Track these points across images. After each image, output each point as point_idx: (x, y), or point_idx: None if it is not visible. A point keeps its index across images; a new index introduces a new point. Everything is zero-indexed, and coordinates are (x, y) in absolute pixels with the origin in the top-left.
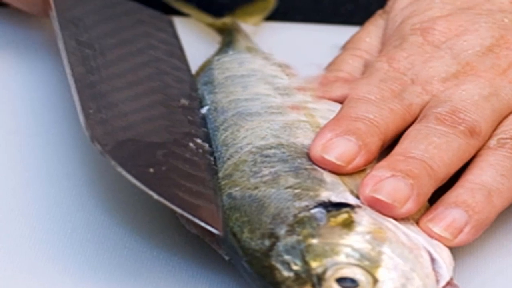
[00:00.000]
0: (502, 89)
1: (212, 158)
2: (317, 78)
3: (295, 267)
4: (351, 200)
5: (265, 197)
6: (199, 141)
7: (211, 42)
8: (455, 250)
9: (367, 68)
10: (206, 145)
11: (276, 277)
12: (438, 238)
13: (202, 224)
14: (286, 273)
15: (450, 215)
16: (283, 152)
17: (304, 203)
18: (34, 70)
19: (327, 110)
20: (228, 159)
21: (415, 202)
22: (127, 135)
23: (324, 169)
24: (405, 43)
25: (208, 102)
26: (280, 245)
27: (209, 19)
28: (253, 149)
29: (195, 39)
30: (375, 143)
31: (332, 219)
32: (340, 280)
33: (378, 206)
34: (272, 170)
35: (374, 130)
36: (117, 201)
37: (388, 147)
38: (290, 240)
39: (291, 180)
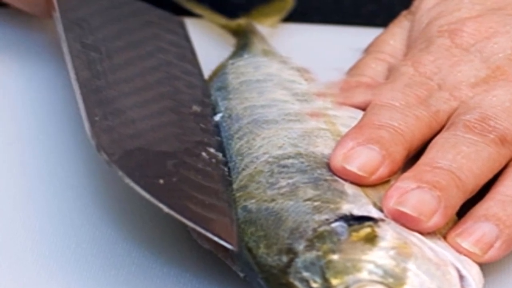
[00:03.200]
0: None
1: (226, 169)
2: (338, 83)
3: (314, 285)
4: (374, 213)
5: (283, 210)
6: (212, 150)
7: (225, 45)
8: (485, 267)
9: (391, 72)
10: (220, 155)
11: None
12: (467, 254)
13: (216, 238)
14: None
15: (480, 229)
16: (302, 162)
17: (324, 217)
18: (36, 75)
19: (349, 117)
20: (243, 169)
21: (442, 216)
22: (135, 143)
23: (345, 180)
24: (431, 46)
25: (222, 108)
26: (299, 261)
27: (223, 20)
28: (270, 159)
29: (208, 42)
30: (399, 153)
31: (354, 234)
32: None
33: (403, 220)
34: (290, 181)
35: (399, 139)
36: (124, 214)
37: (413, 157)
38: (309, 256)
39: (310, 192)
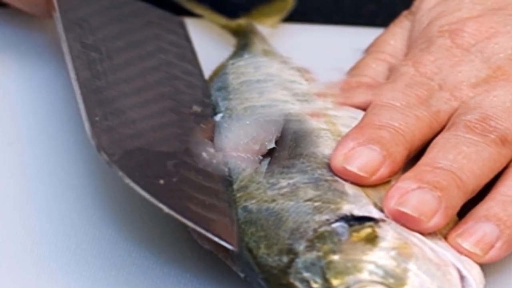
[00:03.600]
0: None
1: (226, 169)
2: (339, 83)
3: (315, 285)
4: (375, 213)
5: (283, 211)
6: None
7: (225, 45)
8: (485, 267)
9: (391, 72)
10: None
11: None
12: (468, 254)
13: (216, 239)
14: None
15: (481, 230)
16: (302, 163)
17: (324, 217)
18: (36, 75)
19: (349, 118)
20: (244, 169)
21: (443, 216)
22: (135, 144)
23: (346, 180)
24: (432, 46)
25: (222, 109)
26: (299, 262)
27: (223, 20)
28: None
29: (208, 42)
30: (400, 153)
31: (355, 234)
32: None
33: (403, 220)
34: (291, 181)
35: (399, 139)
36: (125, 215)
37: (414, 157)
38: (310, 256)
39: (311, 192)
